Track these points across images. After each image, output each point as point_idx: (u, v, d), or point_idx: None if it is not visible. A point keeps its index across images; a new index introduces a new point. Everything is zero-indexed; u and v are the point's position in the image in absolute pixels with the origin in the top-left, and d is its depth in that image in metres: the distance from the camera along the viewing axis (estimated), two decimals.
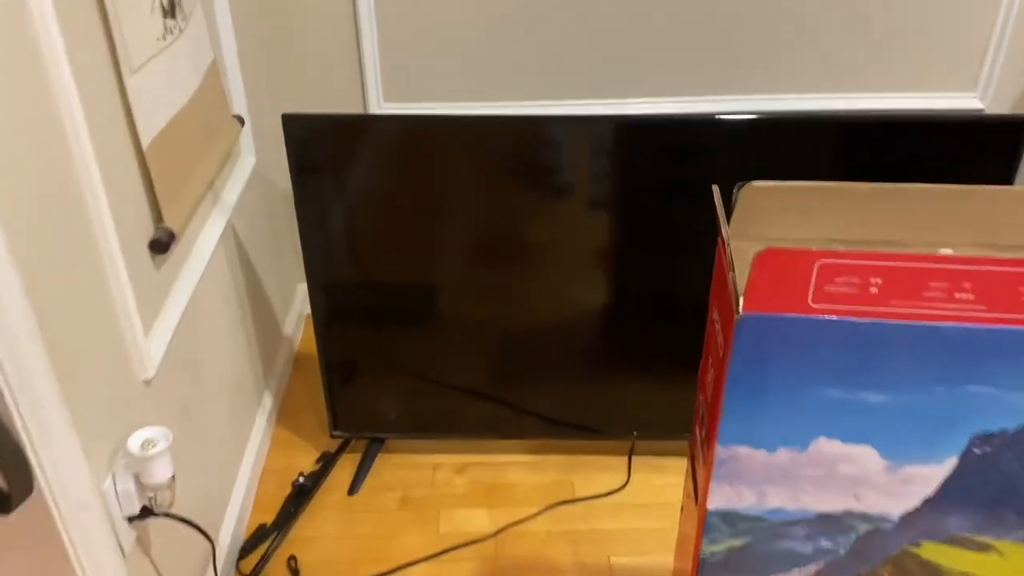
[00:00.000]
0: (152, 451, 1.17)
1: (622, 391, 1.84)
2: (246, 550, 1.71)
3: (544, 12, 1.92)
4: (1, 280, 0.89)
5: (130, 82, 1.25)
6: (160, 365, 1.35)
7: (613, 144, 1.55)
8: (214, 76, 1.61)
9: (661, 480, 1.87)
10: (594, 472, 1.89)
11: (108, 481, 1.16)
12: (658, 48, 1.98)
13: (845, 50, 2.02)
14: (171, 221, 1.37)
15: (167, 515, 1.26)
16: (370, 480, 1.88)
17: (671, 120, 1.55)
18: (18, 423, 0.94)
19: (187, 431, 1.48)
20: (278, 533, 1.74)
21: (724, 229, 0.96)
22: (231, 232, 1.75)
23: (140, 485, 1.20)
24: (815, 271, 0.90)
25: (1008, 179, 1.53)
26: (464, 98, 2.03)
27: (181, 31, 1.44)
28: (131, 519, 1.20)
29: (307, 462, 1.92)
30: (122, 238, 1.22)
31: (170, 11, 1.39)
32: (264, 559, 1.69)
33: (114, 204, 1.20)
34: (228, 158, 1.75)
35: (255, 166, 1.92)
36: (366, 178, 1.58)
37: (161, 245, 1.34)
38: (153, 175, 1.32)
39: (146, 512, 1.22)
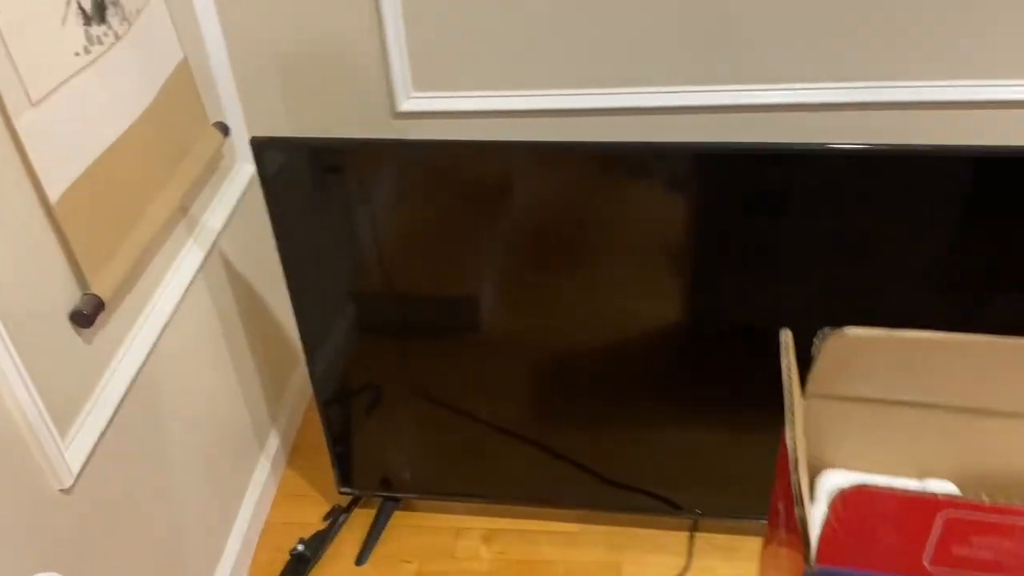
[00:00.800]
0: None
1: (686, 454, 1.51)
2: None
3: None
4: None
5: (25, 120, 0.96)
6: (88, 462, 1.09)
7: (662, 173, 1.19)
8: (182, 83, 1.31)
9: (731, 569, 1.54)
10: (647, 552, 1.58)
11: None
12: (714, 31, 1.57)
13: (949, 26, 1.55)
14: (101, 286, 1.10)
15: None
16: (382, 546, 1.62)
17: (747, 150, 1.17)
18: None
19: (137, 519, 1.23)
20: None
21: (792, 438, 0.60)
22: (217, 259, 1.48)
23: None
24: (938, 526, 0.55)
25: None
26: (501, 86, 1.68)
27: (118, 36, 1.14)
28: None
29: (316, 515, 1.67)
30: (16, 319, 0.95)
31: (96, 15, 1.09)
32: None
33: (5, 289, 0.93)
34: (210, 171, 1.46)
35: (255, 174, 1.62)
36: (351, 201, 1.27)
37: (84, 318, 1.07)
38: (69, 235, 1.04)
39: None
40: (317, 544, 1.60)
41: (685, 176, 1.19)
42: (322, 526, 1.65)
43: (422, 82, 1.71)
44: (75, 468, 1.06)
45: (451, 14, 1.60)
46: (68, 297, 1.06)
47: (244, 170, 1.59)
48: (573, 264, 1.29)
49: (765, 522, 1.52)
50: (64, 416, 1.06)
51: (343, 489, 1.62)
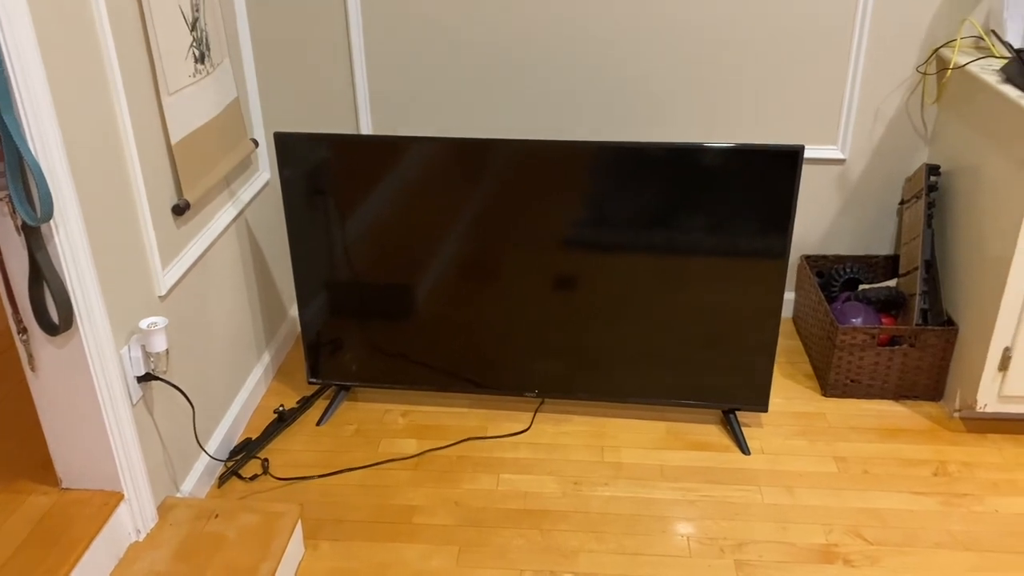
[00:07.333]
0: (153, 328, 1.79)
1: (531, 361, 2.39)
2: (233, 453, 2.31)
3: (530, 55, 2.57)
4: (70, 211, 1.55)
5: (165, 100, 1.93)
6: (172, 289, 1.99)
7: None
8: (235, 108, 2.30)
9: (556, 429, 2.40)
10: (507, 422, 2.43)
11: (125, 349, 1.79)
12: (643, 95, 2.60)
13: (731, 110, 2.59)
14: (189, 195, 2.03)
15: (162, 380, 1.88)
16: (335, 417, 2.47)
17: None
18: (75, 303, 1.59)
19: (188, 348, 2.10)
20: (259, 443, 2.33)
21: None
22: (244, 222, 2.41)
23: (145, 355, 1.82)
24: None
25: (790, 194, 2.06)
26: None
27: (208, 73, 2.13)
28: (139, 379, 1.82)
29: (292, 403, 2.53)
30: (151, 198, 1.88)
31: (200, 59, 2.08)
32: (244, 458, 2.28)
33: (148, 177, 1.87)
34: (245, 167, 2.43)
35: (270, 180, 2.59)
36: (340, 185, 2.22)
37: (179, 209, 2.00)
38: (178, 163, 1.98)
39: (149, 376, 1.84)
40: (293, 412, 2.45)
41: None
42: (295, 406, 2.50)
43: (381, 129, 2.70)
44: (167, 286, 1.95)
45: (403, 84, 2.61)
46: (172, 197, 1.99)
47: (263, 175, 2.56)
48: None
49: (585, 402, 2.37)
50: (164, 257, 1.96)
51: (311, 380, 2.48)
